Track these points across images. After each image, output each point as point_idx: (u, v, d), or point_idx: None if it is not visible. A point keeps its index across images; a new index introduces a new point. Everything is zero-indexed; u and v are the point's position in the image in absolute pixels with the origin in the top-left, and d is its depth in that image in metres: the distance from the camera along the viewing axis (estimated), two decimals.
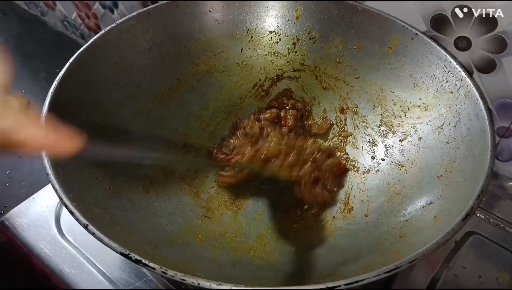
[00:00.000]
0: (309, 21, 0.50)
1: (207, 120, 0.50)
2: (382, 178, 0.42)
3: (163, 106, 0.47)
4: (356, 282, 0.25)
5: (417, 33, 0.43)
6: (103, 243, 0.26)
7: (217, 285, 0.24)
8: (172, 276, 0.25)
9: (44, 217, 0.45)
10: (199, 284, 0.24)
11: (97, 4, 0.84)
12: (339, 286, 0.24)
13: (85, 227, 0.27)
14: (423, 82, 0.43)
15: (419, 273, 0.42)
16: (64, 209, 0.45)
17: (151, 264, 0.25)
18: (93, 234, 0.27)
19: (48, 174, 0.30)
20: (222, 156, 0.46)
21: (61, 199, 0.28)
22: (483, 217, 0.47)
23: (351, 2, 0.47)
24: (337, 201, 0.43)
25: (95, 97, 0.40)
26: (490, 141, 0.33)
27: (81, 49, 0.40)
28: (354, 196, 0.42)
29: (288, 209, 0.43)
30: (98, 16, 0.87)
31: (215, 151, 0.47)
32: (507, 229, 0.46)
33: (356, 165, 0.45)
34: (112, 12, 0.83)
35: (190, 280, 0.25)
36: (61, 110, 0.36)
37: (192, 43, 0.49)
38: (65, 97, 0.37)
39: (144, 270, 0.40)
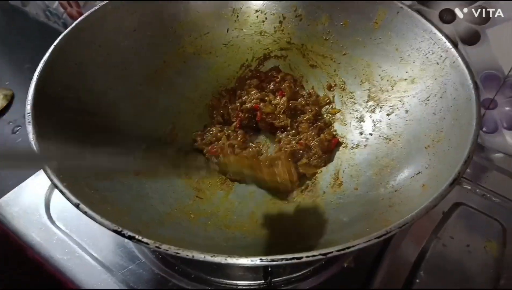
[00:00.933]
0: None
1: (195, 101, 0.49)
2: (371, 152, 0.43)
3: (151, 89, 0.47)
4: (348, 248, 0.25)
5: (402, 7, 0.43)
6: (96, 221, 0.26)
7: (211, 256, 0.24)
8: (166, 250, 0.25)
9: (34, 205, 0.45)
10: (193, 256, 0.25)
11: None
12: (331, 252, 0.25)
13: (77, 206, 0.27)
14: (409, 55, 0.43)
15: (409, 244, 0.43)
16: (54, 196, 0.45)
17: (144, 240, 0.25)
18: (85, 212, 0.27)
19: (35, 154, 0.30)
20: (206, 147, 0.46)
21: (51, 180, 0.28)
22: (469, 188, 0.48)
23: None
24: (328, 176, 0.43)
25: (81, 81, 0.40)
26: (475, 109, 0.34)
27: (65, 32, 0.40)
28: (344, 171, 0.43)
29: (276, 190, 0.43)
30: (81, 4, 0.86)
31: (198, 140, 0.47)
32: (494, 199, 0.47)
33: (345, 141, 0.46)
34: None
35: (184, 253, 0.25)
36: (47, 96, 0.35)
37: (177, 24, 0.49)
38: (51, 82, 0.36)
39: (137, 253, 0.41)
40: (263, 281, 0.38)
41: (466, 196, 0.47)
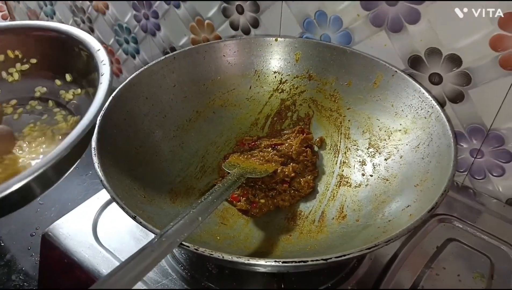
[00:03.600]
0: (306, 62, 0.59)
1: (221, 145, 0.58)
2: (371, 191, 0.50)
3: (184, 133, 0.56)
4: (344, 255, 0.32)
5: (396, 71, 0.52)
6: (147, 229, 0.34)
7: (237, 257, 0.32)
8: (203, 252, 0.32)
9: (83, 227, 0.52)
10: (223, 257, 0.32)
11: (120, 51, 0.96)
12: (331, 258, 0.32)
13: (133, 217, 0.35)
14: (402, 110, 0.51)
15: (405, 273, 0.48)
16: (100, 220, 0.53)
17: (185, 243, 0.33)
18: (139, 223, 0.35)
19: (101, 180, 0.38)
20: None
21: (113, 197, 0.36)
22: (461, 227, 0.54)
23: (341, 46, 0.56)
24: (334, 211, 0.50)
25: (131, 125, 0.49)
26: (453, 154, 0.41)
27: (121, 85, 0.50)
28: (348, 206, 0.50)
29: (289, 220, 0.51)
30: (121, 61, 0.98)
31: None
32: (483, 237, 0.52)
33: (349, 181, 0.53)
34: (134, 58, 0.93)
35: (216, 254, 0.32)
36: (106, 135, 0.44)
37: (209, 82, 0.59)
38: (109, 124, 0.46)
39: (169, 270, 0.47)
40: None
41: (459, 234, 0.53)
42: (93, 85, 0.44)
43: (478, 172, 0.58)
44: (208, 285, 0.45)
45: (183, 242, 0.33)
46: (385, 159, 0.51)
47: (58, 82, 0.47)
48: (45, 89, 0.47)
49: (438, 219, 0.54)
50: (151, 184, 0.47)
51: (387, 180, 0.49)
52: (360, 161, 0.54)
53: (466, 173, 0.59)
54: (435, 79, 0.54)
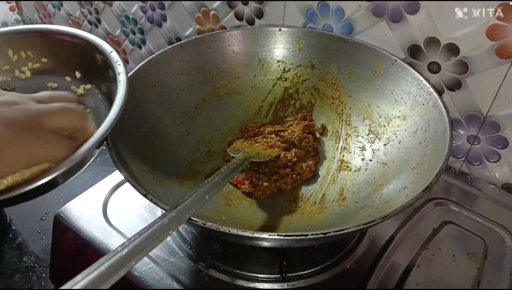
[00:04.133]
0: (309, 52, 0.61)
1: (226, 131, 0.60)
2: (370, 174, 0.52)
3: (191, 120, 0.58)
4: (342, 230, 0.34)
5: (396, 60, 0.54)
6: (158, 205, 0.36)
7: (242, 231, 0.34)
8: (210, 226, 0.34)
9: (93, 209, 0.55)
10: (229, 231, 0.34)
11: (126, 41, 0.98)
12: (330, 232, 0.34)
13: (145, 195, 0.37)
14: (401, 97, 0.53)
15: (401, 253, 0.50)
16: (110, 202, 0.55)
17: (194, 218, 0.35)
18: (151, 199, 0.37)
19: (114, 161, 0.40)
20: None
21: (126, 177, 0.39)
22: (457, 210, 0.56)
23: (343, 36, 0.58)
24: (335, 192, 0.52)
25: (141, 111, 0.51)
26: (449, 138, 0.43)
27: (130, 73, 0.52)
28: (347, 189, 0.52)
29: (291, 203, 0.53)
30: (127, 52, 1.00)
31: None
32: (478, 219, 0.54)
33: (349, 166, 0.55)
34: (140, 48, 0.96)
35: (223, 229, 0.34)
36: (119, 123, 0.46)
37: (215, 70, 0.61)
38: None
39: (176, 249, 0.50)
40: (279, 275, 0.47)
41: (455, 217, 0.55)
42: (106, 80, 0.47)
43: (475, 158, 0.60)
44: (213, 263, 0.47)
45: (191, 217, 0.35)
46: (384, 145, 0.53)
47: (68, 78, 0.50)
48: (56, 84, 0.49)
49: (435, 203, 0.56)
50: (160, 167, 0.49)
51: (386, 164, 0.51)
52: (360, 147, 0.56)
53: (463, 159, 0.61)
54: (434, 67, 0.56)
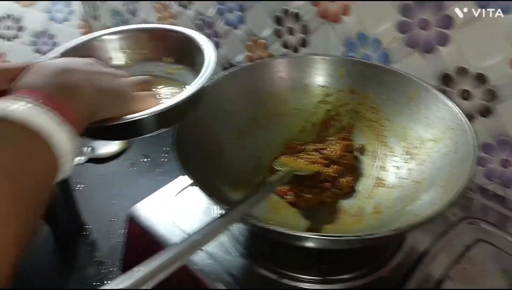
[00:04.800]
0: (349, 78, 0.67)
1: (273, 148, 0.67)
2: (403, 191, 0.57)
3: (242, 137, 0.65)
4: (372, 235, 0.40)
5: (429, 87, 0.59)
6: (219, 205, 0.44)
7: (298, 233, 0.41)
8: (269, 227, 0.41)
9: (162, 209, 0.62)
10: (279, 230, 0.41)
11: None
12: (360, 236, 0.40)
13: (209, 196, 0.45)
14: (434, 122, 0.58)
15: (435, 265, 0.54)
16: (178, 203, 0.63)
17: (249, 219, 0.42)
18: (214, 200, 0.44)
19: (182, 167, 0.48)
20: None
21: (193, 180, 0.47)
22: (491, 229, 0.59)
23: (380, 65, 0.64)
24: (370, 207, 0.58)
25: (200, 126, 0.59)
26: (473, 161, 0.48)
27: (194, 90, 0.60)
28: (382, 204, 0.57)
29: (331, 214, 0.59)
30: None
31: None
32: (509, 239, 0.58)
33: (385, 183, 0.61)
34: None
35: (274, 227, 0.41)
36: (183, 132, 0.55)
37: (264, 94, 0.68)
38: (185, 123, 0.56)
39: (232, 248, 0.56)
40: (320, 277, 0.53)
41: (488, 235, 0.58)
42: (194, 62, 0.57)
43: (509, 181, 0.63)
44: (262, 262, 0.54)
45: (248, 217, 0.42)
46: (418, 165, 0.58)
47: (162, 63, 0.61)
48: (152, 68, 0.60)
49: (470, 222, 0.60)
50: (216, 176, 0.57)
51: (418, 182, 0.56)
52: (395, 166, 0.61)
53: (497, 181, 0.65)
54: (464, 95, 0.61)
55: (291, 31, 0.76)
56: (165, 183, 0.68)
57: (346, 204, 0.60)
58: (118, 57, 0.61)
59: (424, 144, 0.59)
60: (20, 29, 1.30)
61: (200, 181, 0.48)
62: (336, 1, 0.68)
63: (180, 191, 0.65)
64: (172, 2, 1.00)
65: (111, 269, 0.66)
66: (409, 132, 0.62)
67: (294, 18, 0.75)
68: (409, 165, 0.60)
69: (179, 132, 0.54)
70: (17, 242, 0.27)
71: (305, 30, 0.74)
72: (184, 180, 0.67)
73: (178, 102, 0.46)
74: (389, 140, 0.64)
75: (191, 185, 0.47)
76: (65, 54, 0.54)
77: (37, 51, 1.34)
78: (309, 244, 0.44)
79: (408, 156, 0.61)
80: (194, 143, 0.56)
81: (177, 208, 0.63)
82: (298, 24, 0.74)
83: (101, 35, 0.61)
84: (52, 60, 0.40)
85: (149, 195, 0.66)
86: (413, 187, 0.57)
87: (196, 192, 0.63)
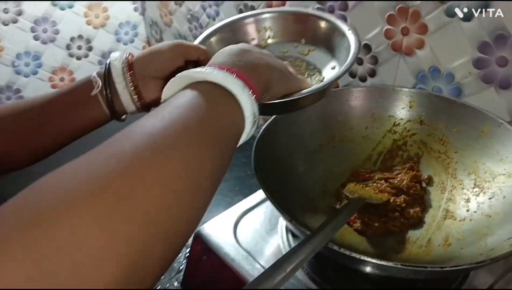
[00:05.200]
0: (419, 109, 0.69)
1: (339, 174, 0.69)
2: (474, 224, 0.57)
3: (310, 161, 0.68)
4: (441, 268, 0.41)
5: (502, 122, 0.59)
6: (299, 230, 0.46)
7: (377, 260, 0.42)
8: (344, 251, 0.43)
9: (225, 229, 0.66)
10: (359, 257, 0.42)
11: None
12: (427, 267, 0.41)
13: (290, 221, 0.47)
14: (507, 157, 0.58)
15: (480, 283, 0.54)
16: (240, 224, 0.66)
17: (331, 245, 0.44)
18: (294, 225, 0.47)
19: (264, 189, 0.51)
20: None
21: (273, 203, 0.49)
22: None
23: (452, 98, 0.65)
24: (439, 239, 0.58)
25: (272, 151, 0.62)
26: None
27: (268, 122, 0.63)
28: (452, 236, 0.57)
29: (399, 244, 0.60)
30: None
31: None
32: None
33: (454, 215, 0.61)
34: None
35: (354, 254, 0.43)
36: (261, 157, 0.58)
37: (332, 121, 0.71)
38: (262, 147, 0.59)
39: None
40: None
41: None
42: (325, 43, 0.63)
43: None
44: (324, 286, 0.55)
45: (329, 244, 0.44)
46: (489, 199, 0.58)
47: (295, 44, 0.66)
48: (287, 49, 0.65)
49: None
50: (288, 198, 0.59)
51: (490, 216, 0.56)
52: (465, 199, 0.61)
53: None
54: None
55: (360, 61, 0.79)
56: (236, 201, 0.71)
57: (414, 234, 0.60)
58: (258, 38, 0.67)
59: (495, 178, 0.59)
60: (89, 48, 1.40)
61: (281, 205, 0.50)
62: (410, 35, 0.69)
63: (247, 213, 0.68)
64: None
65: (172, 280, 0.69)
66: (480, 166, 0.62)
67: (366, 50, 0.77)
68: (479, 198, 0.60)
69: (258, 151, 0.57)
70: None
71: (375, 60, 0.76)
72: (247, 202, 0.70)
73: (332, 80, 0.51)
74: (458, 173, 0.64)
75: (277, 212, 0.49)
76: (212, 34, 0.62)
77: None
78: (382, 273, 0.46)
79: (478, 189, 0.61)
80: (270, 166, 0.59)
81: (241, 229, 0.66)
82: (369, 56, 0.77)
83: (241, 18, 0.67)
84: (231, 46, 0.46)
85: (216, 215, 0.69)
86: (485, 220, 0.57)
87: (258, 214, 0.66)
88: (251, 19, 0.67)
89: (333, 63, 0.60)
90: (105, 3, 1.37)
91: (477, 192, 0.60)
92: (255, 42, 0.67)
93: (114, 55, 0.54)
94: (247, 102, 0.36)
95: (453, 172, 0.64)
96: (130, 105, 0.54)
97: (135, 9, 1.44)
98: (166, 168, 0.27)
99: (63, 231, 0.21)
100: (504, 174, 0.58)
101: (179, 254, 0.29)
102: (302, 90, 0.51)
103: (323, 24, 0.63)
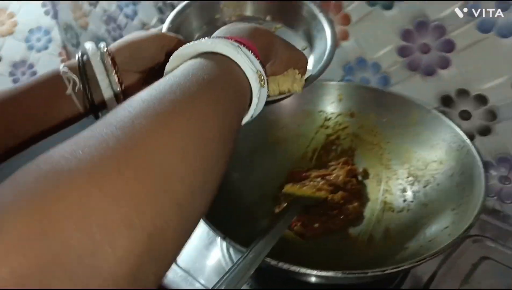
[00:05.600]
0: (348, 102, 0.68)
1: (275, 176, 0.66)
2: (412, 215, 0.57)
3: (245, 166, 0.65)
4: (383, 271, 0.40)
5: (430, 109, 0.60)
6: (235, 248, 0.42)
7: (311, 271, 0.40)
8: (282, 266, 0.40)
9: None
10: (298, 270, 0.40)
11: None
12: (367, 272, 0.39)
13: (224, 238, 0.43)
14: (437, 144, 0.59)
15: (446, 286, 0.55)
16: None
17: (268, 259, 0.41)
18: (228, 242, 0.43)
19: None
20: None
21: (205, 222, 0.45)
22: (494, 246, 0.60)
23: (379, 89, 0.65)
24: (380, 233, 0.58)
25: None
26: (483, 184, 0.48)
27: None
28: (393, 229, 0.57)
29: (340, 243, 0.58)
30: None
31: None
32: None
33: (392, 207, 0.60)
34: None
35: (294, 268, 0.40)
36: None
37: (264, 122, 0.68)
38: None
39: None
40: None
41: (492, 252, 0.59)
42: (292, 22, 0.59)
43: (507, 196, 0.64)
44: None
45: (266, 258, 0.41)
46: (424, 187, 0.58)
47: (260, 21, 0.61)
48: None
49: (472, 240, 0.60)
50: (220, 213, 0.55)
51: (427, 205, 0.56)
52: (401, 189, 0.61)
53: (496, 197, 0.65)
54: (465, 115, 0.61)
55: None
56: None
57: (355, 231, 0.59)
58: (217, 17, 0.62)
59: (428, 166, 0.59)
60: None
61: (213, 221, 0.47)
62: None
63: None
64: None
65: None
66: (412, 154, 0.62)
67: None
68: (414, 187, 0.60)
69: None
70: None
71: None
72: None
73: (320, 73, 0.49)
74: (391, 163, 0.64)
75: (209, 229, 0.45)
76: (177, 16, 0.57)
77: (14, 81, 1.31)
78: (330, 281, 0.44)
79: (412, 178, 0.61)
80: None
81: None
82: None
83: None
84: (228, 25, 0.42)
85: None
86: (422, 210, 0.57)
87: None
88: None
89: (302, 43, 0.57)
90: (10, 8, 1.24)
91: (412, 181, 0.60)
92: (219, 18, 0.63)
93: (89, 46, 0.47)
94: (246, 62, 0.34)
95: (387, 162, 0.64)
96: (113, 103, 0.48)
97: (46, 13, 1.33)
98: (174, 133, 0.25)
99: (73, 199, 0.20)
100: (436, 161, 0.59)
101: (196, 227, 0.26)
102: (303, 60, 0.46)
103: (292, 2, 0.59)
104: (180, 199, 0.23)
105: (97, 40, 1.23)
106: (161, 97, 0.27)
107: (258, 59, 0.35)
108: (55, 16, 1.34)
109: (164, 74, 0.35)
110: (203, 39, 0.35)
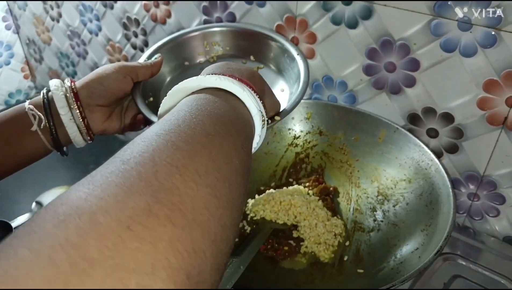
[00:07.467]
0: (317, 120, 0.67)
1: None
2: (383, 235, 0.56)
3: None
4: None
5: (397, 127, 0.60)
6: None
7: None
8: None
9: None
10: None
11: None
12: None
13: None
14: (405, 162, 0.58)
15: None
16: None
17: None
18: None
19: None
20: None
21: None
22: (465, 264, 0.60)
23: (347, 106, 0.64)
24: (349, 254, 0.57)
25: None
26: (452, 202, 0.48)
27: None
28: (363, 249, 0.56)
29: (311, 265, 0.57)
30: None
31: None
32: (485, 272, 0.58)
33: (362, 226, 0.59)
34: None
35: None
36: None
37: None
38: None
39: None
40: None
41: (463, 270, 0.58)
42: (276, 60, 0.60)
43: (476, 213, 0.64)
44: None
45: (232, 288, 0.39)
46: (393, 206, 0.58)
47: (243, 61, 0.61)
48: None
49: (443, 258, 0.60)
50: None
51: (396, 225, 0.56)
52: (370, 208, 0.60)
53: (465, 214, 0.65)
54: (432, 133, 0.61)
55: None
56: None
57: (325, 253, 0.58)
58: (205, 53, 0.63)
59: (397, 184, 0.59)
60: None
61: None
62: (300, 44, 0.67)
63: None
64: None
65: None
66: (381, 173, 0.61)
67: None
68: (384, 206, 0.59)
69: None
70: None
71: None
72: None
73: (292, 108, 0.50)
74: (360, 181, 0.63)
75: None
76: (157, 50, 0.58)
77: None
78: None
79: (382, 197, 0.60)
80: None
81: None
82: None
83: (187, 32, 0.63)
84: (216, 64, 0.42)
85: None
86: (392, 230, 0.56)
87: None
88: (199, 33, 0.63)
89: (282, 84, 0.57)
90: None
91: (381, 200, 0.60)
92: (202, 57, 0.63)
93: (54, 83, 0.49)
94: (251, 100, 0.35)
95: (356, 181, 0.63)
96: (77, 137, 0.49)
97: (7, 27, 1.28)
98: (199, 167, 0.25)
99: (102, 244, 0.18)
100: (404, 180, 0.58)
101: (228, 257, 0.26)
102: (279, 105, 0.48)
103: (272, 43, 0.60)
104: (213, 234, 0.23)
105: (61, 55, 1.19)
106: (178, 131, 0.27)
107: (261, 100, 0.37)
108: (17, 30, 1.29)
109: (162, 105, 0.36)
110: (207, 75, 0.35)
